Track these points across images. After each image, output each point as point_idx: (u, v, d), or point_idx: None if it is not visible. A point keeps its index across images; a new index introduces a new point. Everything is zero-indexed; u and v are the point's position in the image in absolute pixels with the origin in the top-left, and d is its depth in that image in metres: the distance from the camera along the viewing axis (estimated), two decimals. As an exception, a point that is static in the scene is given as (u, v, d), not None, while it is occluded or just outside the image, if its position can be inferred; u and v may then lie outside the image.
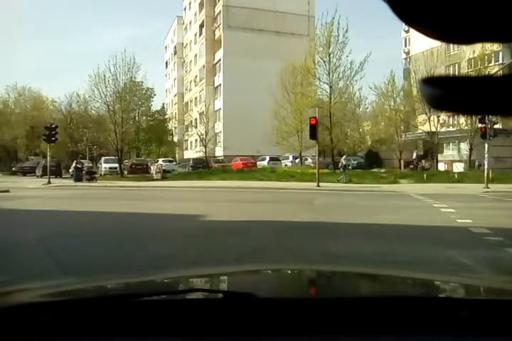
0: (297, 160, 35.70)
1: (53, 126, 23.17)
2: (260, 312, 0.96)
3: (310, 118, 19.64)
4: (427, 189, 17.78)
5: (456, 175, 23.36)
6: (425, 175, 23.66)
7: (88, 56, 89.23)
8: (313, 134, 18.92)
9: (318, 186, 19.08)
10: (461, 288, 1.49)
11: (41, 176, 29.62)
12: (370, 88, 32.57)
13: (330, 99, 26.40)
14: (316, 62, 26.71)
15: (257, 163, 35.41)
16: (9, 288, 1.30)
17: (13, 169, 39.17)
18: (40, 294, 1.20)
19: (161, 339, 0.94)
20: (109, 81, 27.57)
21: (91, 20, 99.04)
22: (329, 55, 26.15)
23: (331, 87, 26.52)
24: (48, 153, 23.91)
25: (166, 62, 70.99)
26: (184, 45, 59.63)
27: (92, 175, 25.15)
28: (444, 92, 0.38)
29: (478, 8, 0.35)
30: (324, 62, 26.30)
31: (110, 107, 27.69)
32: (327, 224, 7.76)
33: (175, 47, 63.49)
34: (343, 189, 18.20)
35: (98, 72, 27.65)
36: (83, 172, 25.17)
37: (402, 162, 35.49)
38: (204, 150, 30.72)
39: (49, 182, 23.15)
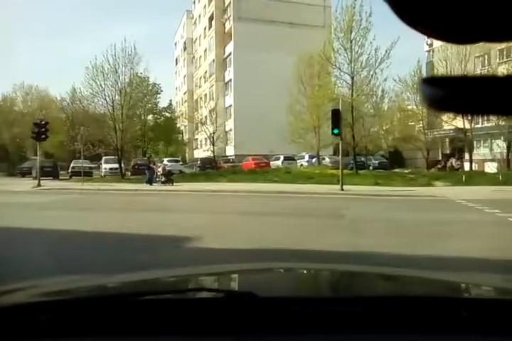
0: (314, 160, 32.96)
1: (43, 122, 20.78)
2: (261, 311, 0.95)
3: (332, 110, 16.86)
4: (472, 193, 14.92)
5: (500, 176, 20.36)
6: (464, 177, 20.72)
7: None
8: (336, 128, 16.15)
9: (342, 190, 16.33)
10: (461, 288, 1.47)
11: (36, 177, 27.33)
12: (394, 80, 29.62)
13: (352, 90, 23.55)
14: (335, 50, 23.86)
15: (271, 162, 32.75)
16: (9, 287, 1.29)
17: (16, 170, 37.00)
18: (40, 293, 1.21)
19: (162, 338, 0.94)
20: (108, 73, 25.10)
21: (101, 19, 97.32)
22: (351, 42, 23.31)
23: (352, 78, 23.67)
24: (38, 153, 21.65)
25: (176, 59, 69.03)
26: (194, 40, 57.38)
27: (169, 177, 21.48)
28: (445, 92, 0.37)
29: (478, 7, 0.35)
30: (345, 49, 23.46)
31: (109, 102, 25.19)
32: (375, 256, 5.02)
33: (184, 42, 61.33)
34: (371, 193, 15.43)
35: (96, 64, 25.20)
36: (157, 173, 21.81)
37: (426, 161, 32.51)
38: (212, 148, 28.11)
39: (39, 185, 20.81)
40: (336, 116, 16.14)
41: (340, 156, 17.99)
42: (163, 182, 21.01)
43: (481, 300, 1.13)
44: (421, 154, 32.47)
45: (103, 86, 25.10)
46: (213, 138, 28.04)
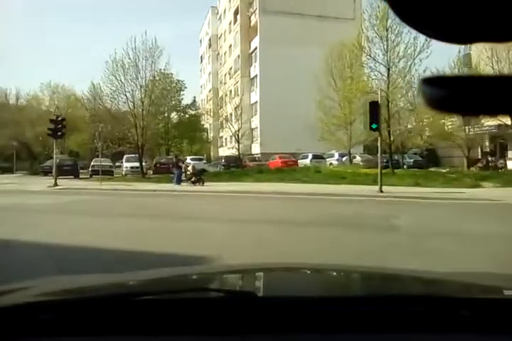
0: (344, 158, 31.14)
1: (59, 118, 19.72)
2: (262, 311, 0.96)
3: (370, 102, 15.12)
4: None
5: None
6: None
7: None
8: (374, 123, 14.42)
9: (381, 191, 14.57)
10: (462, 287, 1.45)
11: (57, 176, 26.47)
12: (432, 73, 27.38)
13: (388, 83, 21.65)
14: (370, 39, 21.99)
15: (298, 161, 31.10)
16: (9, 287, 1.29)
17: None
18: (40, 293, 1.20)
19: (163, 338, 0.94)
20: (128, 68, 23.92)
21: (126, 19, 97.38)
22: (387, 30, 21.41)
23: (388, 69, 21.76)
24: (55, 151, 20.61)
25: (201, 57, 68.16)
26: (218, 36, 56.22)
27: (198, 177, 19.87)
28: (445, 92, 0.37)
29: (478, 7, 0.35)
30: (381, 38, 21.55)
31: (129, 98, 24.02)
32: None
33: (209, 39, 60.27)
34: (416, 196, 13.60)
35: (115, 58, 24.05)
36: (186, 172, 20.28)
37: (466, 160, 30.22)
38: (237, 146, 26.64)
39: (55, 184, 19.80)
40: (375, 109, 14.42)
41: (379, 154, 16.22)
42: (193, 182, 19.36)
43: (481, 300, 1.11)
44: (457, 152, 30.23)
45: (123, 81, 23.97)
46: (238, 135, 26.61)
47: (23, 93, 51.11)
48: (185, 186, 18.98)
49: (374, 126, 14.58)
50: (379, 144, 15.91)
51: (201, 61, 68.01)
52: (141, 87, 24.07)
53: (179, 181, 19.71)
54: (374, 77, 23.03)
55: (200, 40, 68.15)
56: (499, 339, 0.94)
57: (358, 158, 31.54)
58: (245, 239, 6.43)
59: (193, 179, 19.62)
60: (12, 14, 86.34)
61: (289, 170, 25.48)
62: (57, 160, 28.36)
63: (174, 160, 21.43)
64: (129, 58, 23.81)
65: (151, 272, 1.87)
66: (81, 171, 30.57)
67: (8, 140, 38.39)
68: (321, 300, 1.08)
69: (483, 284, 1.48)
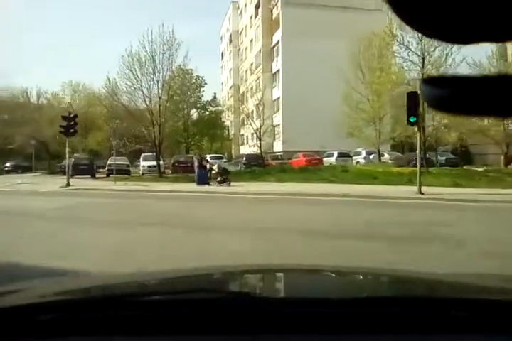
0: (372, 156, 29.44)
1: (71, 115, 18.69)
2: (260, 312, 0.96)
3: (409, 93, 13.49)
4: None
5: None
6: None
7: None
8: (413, 115, 12.82)
9: (421, 193, 12.96)
10: (461, 288, 1.44)
11: (72, 176, 25.60)
12: (468, 64, 25.41)
13: (422, 74, 19.87)
14: (402, 27, 20.21)
15: (323, 159, 29.52)
16: (9, 287, 1.29)
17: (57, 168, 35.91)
18: (42, 293, 1.21)
19: (161, 338, 0.94)
20: (144, 61, 22.76)
21: (146, 19, 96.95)
22: (421, 16, 19.61)
23: (423, 59, 19.99)
24: (67, 149, 19.55)
25: (222, 54, 67.22)
26: (239, 31, 54.93)
27: (225, 177, 18.31)
28: (445, 93, 0.37)
29: (477, 7, 0.35)
30: (415, 25, 19.74)
31: (146, 93, 22.88)
32: None
33: (230, 35, 59.15)
34: (463, 198, 11.94)
35: (131, 52, 22.92)
36: (211, 172, 18.99)
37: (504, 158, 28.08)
38: (259, 144, 25.26)
39: (68, 185, 18.80)
40: (414, 101, 12.79)
41: (418, 150, 14.54)
42: (219, 182, 17.90)
43: (481, 300, 1.11)
44: (492, 149, 28.16)
45: (139, 76, 22.83)
46: (260, 132, 25.18)
47: (46, 92, 51.11)
48: (207, 187, 17.60)
49: (412, 119, 12.98)
50: (418, 139, 14.26)
51: (222, 58, 67.10)
52: (158, 81, 22.90)
53: (204, 181, 18.28)
54: (406, 68, 21.30)
55: (221, 37, 67.21)
56: (498, 340, 0.93)
57: (387, 156, 29.77)
58: (270, 254, 5.06)
59: (218, 179, 18.10)
60: (32, 14, 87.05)
61: (313, 169, 24.00)
62: (73, 159, 27.63)
63: (198, 158, 19.85)
64: (146, 51, 22.67)
65: (152, 273, 1.92)
66: (100, 170, 29.77)
67: (28, 139, 37.91)
68: (319, 302, 1.06)
69: (482, 285, 1.47)
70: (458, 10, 0.35)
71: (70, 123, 18.58)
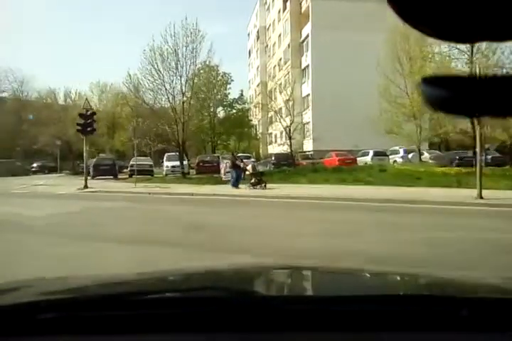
0: (411, 155, 27.33)
1: (89, 112, 17.53)
2: (263, 309, 0.96)
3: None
4: None
5: None
6: None
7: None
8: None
9: (481, 198, 11.06)
10: (461, 287, 1.43)
11: (93, 177, 24.68)
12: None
13: (471, 63, 17.81)
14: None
15: (357, 159, 27.64)
16: (11, 285, 1.30)
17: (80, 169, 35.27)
18: (42, 292, 1.21)
19: (164, 336, 0.94)
20: (167, 56, 21.44)
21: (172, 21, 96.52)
22: None
23: (472, 47, 17.90)
24: (85, 149, 18.41)
25: (249, 51, 65.84)
26: (267, 27, 53.36)
27: (259, 178, 16.23)
28: (446, 93, 0.37)
29: (478, 7, 0.35)
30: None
31: (169, 89, 21.55)
32: None
33: (257, 32, 57.65)
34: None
35: (153, 46, 21.64)
36: (245, 173, 17.18)
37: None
38: (289, 142, 23.61)
39: (85, 186, 17.67)
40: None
41: (478, 149, 12.56)
42: (253, 185, 15.96)
43: (481, 299, 1.11)
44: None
45: (162, 71, 21.52)
46: (290, 130, 23.50)
47: (74, 93, 50.92)
48: (239, 189, 15.97)
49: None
50: (477, 137, 12.31)
51: (249, 55, 65.72)
52: (181, 77, 21.55)
53: (236, 183, 16.52)
54: (452, 57, 19.23)
55: (248, 34, 65.86)
56: (498, 339, 0.93)
57: (426, 155, 27.62)
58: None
59: (252, 180, 16.17)
60: (60, 15, 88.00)
61: (347, 169, 22.20)
62: (95, 160, 26.73)
63: (231, 158, 18.18)
64: (168, 45, 21.34)
65: (152, 272, 1.88)
66: (124, 171, 28.83)
67: (54, 139, 37.46)
68: (322, 300, 1.07)
69: (482, 284, 1.47)
70: (458, 9, 0.35)
71: (88, 121, 17.45)
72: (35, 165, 40.40)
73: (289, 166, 23.97)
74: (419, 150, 24.94)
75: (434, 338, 0.93)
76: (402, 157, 28.01)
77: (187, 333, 0.92)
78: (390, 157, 28.26)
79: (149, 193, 15.18)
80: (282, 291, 1.33)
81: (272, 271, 1.75)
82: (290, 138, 23.77)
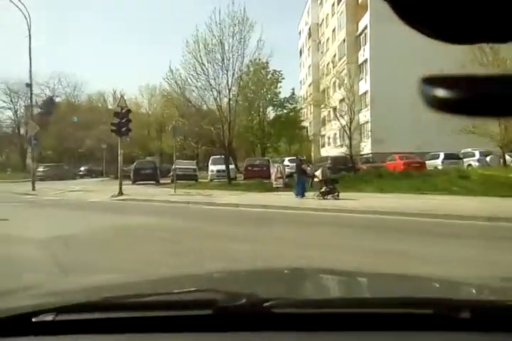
0: (489, 158, 23.59)
1: (124, 110, 15.60)
2: (263, 312, 0.97)
3: None
4: None
5: None
6: None
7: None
8: None
9: None
10: (462, 289, 1.47)
11: (134, 182, 22.94)
12: None
13: None
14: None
15: (426, 162, 24.25)
16: (12, 286, 1.34)
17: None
18: (42, 293, 1.21)
19: (161, 337, 0.95)
20: (211, 47, 19.24)
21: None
22: None
23: None
24: (120, 151, 16.51)
25: (300, 50, 63.54)
26: (320, 23, 50.63)
27: (331, 186, 13.20)
28: (446, 93, 0.37)
29: (478, 8, 0.35)
30: None
31: (213, 85, 19.32)
32: None
33: (309, 29, 55.08)
34: None
35: (197, 36, 19.51)
36: (313, 179, 14.65)
37: None
38: (348, 143, 20.77)
39: (121, 193, 15.76)
40: None
41: None
42: (322, 194, 13.02)
43: (481, 301, 1.11)
44: None
45: (206, 64, 19.34)
46: (350, 130, 20.61)
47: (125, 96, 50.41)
48: (303, 199, 13.21)
49: None
50: None
51: (300, 55, 63.30)
52: (227, 70, 19.25)
53: (302, 191, 13.67)
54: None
55: (299, 32, 63.51)
56: (498, 339, 0.93)
57: (509, 158, 23.77)
58: None
59: (323, 189, 13.19)
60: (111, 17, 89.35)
61: (417, 175, 19.04)
62: (135, 163, 25.06)
63: (297, 161, 15.25)
64: (213, 35, 19.11)
65: (152, 274, 1.92)
66: (169, 174, 27.10)
67: (100, 143, 36.57)
68: (322, 302, 1.07)
69: (483, 285, 1.47)
70: (458, 9, 0.34)
71: (123, 121, 15.51)
72: (82, 169, 39.89)
73: (347, 171, 21.02)
74: (504, 152, 21.26)
75: (435, 339, 0.93)
76: (478, 160, 24.31)
77: (187, 334, 0.93)
78: (464, 160, 24.65)
79: (188, 202, 12.94)
80: (280, 294, 1.25)
81: (270, 273, 1.76)
82: (350, 138, 20.86)
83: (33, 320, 0.94)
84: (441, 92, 0.36)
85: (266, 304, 0.97)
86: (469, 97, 0.36)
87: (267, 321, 0.94)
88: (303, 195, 13.52)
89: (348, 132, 21.17)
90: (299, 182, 13.86)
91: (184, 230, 7.89)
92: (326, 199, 12.74)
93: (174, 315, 0.96)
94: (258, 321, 0.94)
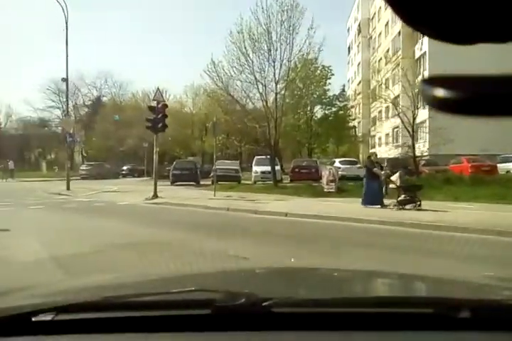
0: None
1: (160, 105, 14.08)
2: (262, 312, 0.96)
3: None
4: None
5: None
6: None
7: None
8: None
9: None
10: (462, 288, 1.45)
11: (172, 183, 21.58)
12: None
13: None
14: None
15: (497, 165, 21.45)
16: (11, 286, 1.31)
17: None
18: (41, 293, 1.21)
19: (160, 336, 0.95)
20: (258, 37, 17.46)
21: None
22: None
23: None
24: (155, 149, 15.00)
25: (348, 48, 61.20)
26: (370, 17, 48.00)
27: (411, 195, 10.67)
28: (447, 93, 0.37)
29: (478, 8, 0.35)
30: None
31: (259, 78, 17.51)
32: None
33: (359, 25, 52.49)
34: None
35: (242, 25, 17.76)
36: (388, 185, 12.10)
37: None
38: (411, 144, 18.41)
39: (155, 196, 14.29)
40: None
41: None
42: (400, 203, 10.53)
43: (481, 301, 1.11)
44: None
45: (251, 55, 17.58)
46: (413, 127, 18.25)
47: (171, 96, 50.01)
48: (377, 208, 10.71)
49: None
50: None
51: (348, 52, 60.90)
52: (274, 62, 17.41)
53: (375, 201, 11.04)
54: None
55: (348, 29, 61.04)
56: (498, 339, 0.93)
57: None
58: None
59: (401, 197, 10.66)
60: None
61: (490, 180, 16.51)
62: (174, 163, 23.72)
63: (367, 163, 12.22)
64: (259, 24, 17.32)
65: (151, 274, 1.84)
66: (211, 175, 25.71)
67: (141, 141, 35.76)
68: (321, 302, 1.06)
69: (483, 285, 1.46)
70: (458, 9, 0.34)
71: (159, 116, 14.00)
72: (125, 168, 39.35)
73: (410, 175, 18.65)
74: None
75: (435, 338, 0.93)
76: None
77: (185, 334, 0.93)
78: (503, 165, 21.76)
79: (227, 209, 11.17)
80: (279, 293, 1.23)
81: (268, 273, 1.75)
82: (413, 137, 18.49)
83: (33, 319, 0.94)
84: (441, 92, 0.36)
85: (265, 303, 0.97)
86: (470, 97, 0.36)
87: (266, 320, 0.95)
88: (374, 204, 10.92)
89: (410, 130, 18.76)
90: (369, 188, 11.29)
91: (217, 253, 5.57)
92: (405, 209, 10.32)
93: (173, 314, 0.96)
94: (257, 320, 0.94)
